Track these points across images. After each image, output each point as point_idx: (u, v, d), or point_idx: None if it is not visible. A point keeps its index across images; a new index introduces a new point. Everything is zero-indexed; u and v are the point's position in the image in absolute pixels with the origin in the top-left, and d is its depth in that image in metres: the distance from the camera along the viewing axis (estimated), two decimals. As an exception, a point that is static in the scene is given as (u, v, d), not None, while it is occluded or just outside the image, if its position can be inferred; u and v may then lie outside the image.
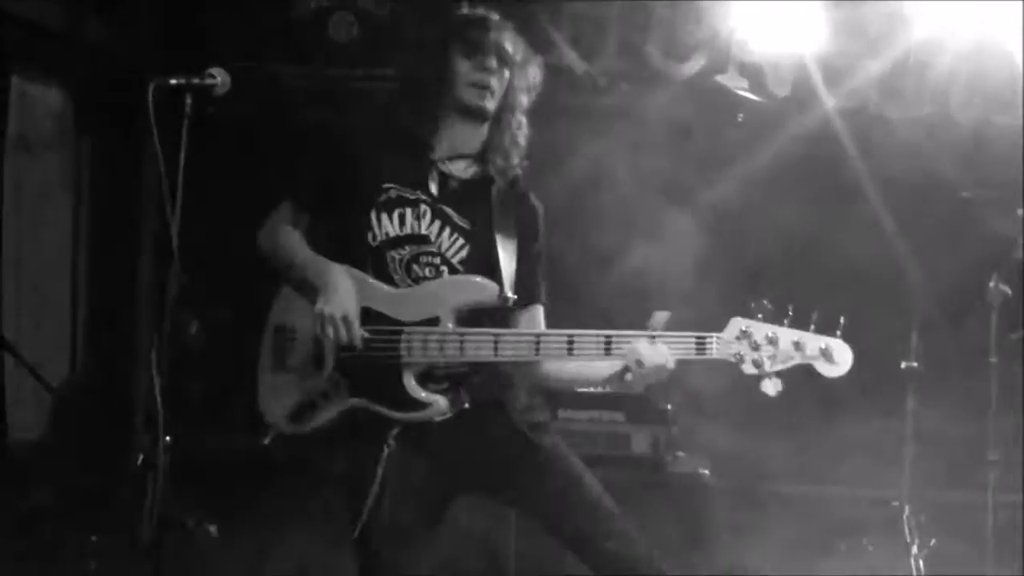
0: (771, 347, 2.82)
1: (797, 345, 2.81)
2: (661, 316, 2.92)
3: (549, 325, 3.18)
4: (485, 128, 3.13)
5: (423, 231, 3.04)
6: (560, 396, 4.88)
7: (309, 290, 3.02)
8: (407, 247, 3.04)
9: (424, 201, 3.06)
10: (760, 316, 2.83)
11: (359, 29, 5.55)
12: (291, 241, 3.11)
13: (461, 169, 3.13)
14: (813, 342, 2.81)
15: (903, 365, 5.07)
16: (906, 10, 5.45)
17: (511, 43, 3.10)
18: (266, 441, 3.07)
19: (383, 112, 3.20)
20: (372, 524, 2.92)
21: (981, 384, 4.94)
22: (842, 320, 2.82)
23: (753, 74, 5.64)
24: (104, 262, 5.75)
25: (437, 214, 3.06)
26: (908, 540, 4.95)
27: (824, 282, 5.54)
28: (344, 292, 2.96)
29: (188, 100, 2.78)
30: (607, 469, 4.46)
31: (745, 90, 5.65)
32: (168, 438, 2.65)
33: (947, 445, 5.44)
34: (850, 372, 2.82)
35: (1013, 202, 4.85)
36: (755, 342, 2.82)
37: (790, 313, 2.82)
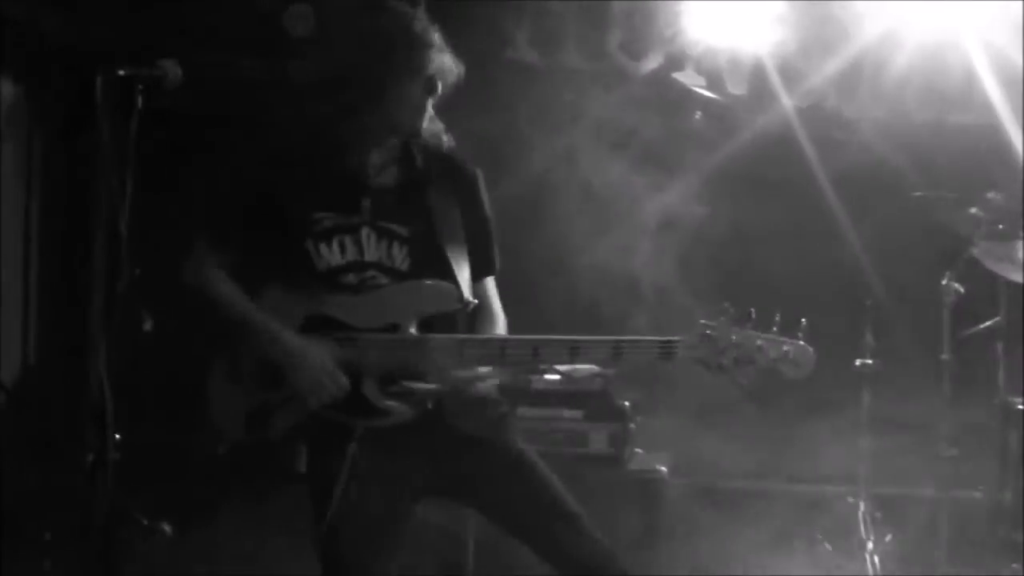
0: (735, 350, 2.84)
1: (760, 349, 2.84)
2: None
3: (513, 327, 3.15)
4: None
5: (367, 257, 2.98)
6: (519, 394, 4.88)
7: (260, 351, 2.95)
8: (352, 274, 2.97)
9: (363, 224, 2.99)
10: (723, 319, 2.85)
11: (316, 22, 5.51)
12: (233, 295, 3.01)
13: (392, 178, 3.04)
14: (775, 345, 2.84)
15: (857, 362, 5.10)
16: (862, 9, 5.49)
17: (448, 61, 2.99)
18: (220, 451, 3.03)
19: (309, 137, 3.04)
20: (337, 525, 2.89)
21: (934, 381, 4.99)
22: (803, 322, 2.86)
23: (711, 72, 5.66)
24: (56, 256, 5.68)
25: (379, 232, 2.99)
26: (863, 536, 4.98)
27: (779, 279, 5.58)
28: (312, 355, 2.89)
29: (138, 91, 2.72)
30: (566, 467, 4.48)
31: (703, 88, 5.68)
32: (118, 435, 2.60)
33: (902, 441, 5.49)
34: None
35: (967, 201, 4.89)
36: (718, 346, 2.84)
37: (752, 316, 2.85)
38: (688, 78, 5.68)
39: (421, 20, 3.00)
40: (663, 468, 4.87)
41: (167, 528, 4.59)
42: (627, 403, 4.90)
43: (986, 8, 5.40)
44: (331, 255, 2.97)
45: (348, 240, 2.98)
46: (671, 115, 5.71)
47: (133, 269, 2.86)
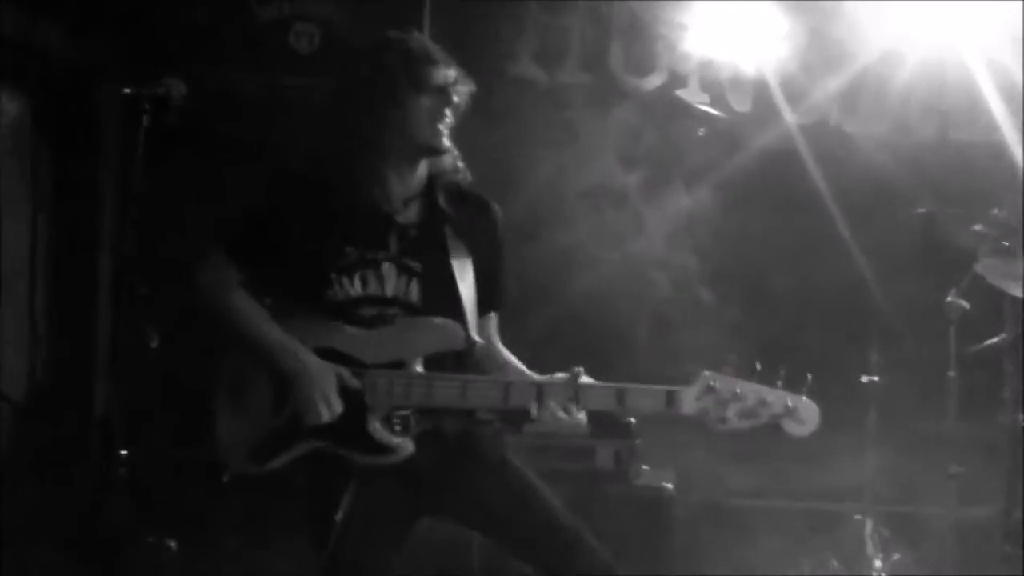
0: (738, 404, 2.83)
1: (763, 403, 2.82)
2: (578, 371, 2.92)
3: (516, 343, 3.15)
4: (426, 161, 3.06)
5: (388, 292, 2.99)
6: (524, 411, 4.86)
7: (270, 362, 2.95)
8: (370, 308, 2.99)
9: (387, 260, 3.00)
10: (726, 371, 2.84)
11: (321, 40, 5.53)
12: (250, 308, 3.01)
13: (414, 215, 3.06)
14: (780, 400, 2.83)
15: (863, 379, 5.10)
16: (865, 27, 5.51)
17: (455, 73, 3.02)
18: (225, 479, 3.02)
19: (332, 162, 3.04)
20: (339, 549, 2.88)
21: (940, 398, 4.98)
22: (809, 377, 2.84)
23: (714, 89, 5.68)
24: (63, 273, 5.67)
25: (400, 269, 3.01)
26: (871, 554, 4.96)
27: (783, 296, 5.58)
28: (319, 374, 2.91)
29: (145, 109, 2.73)
30: (570, 482, 4.50)
31: (706, 105, 5.69)
32: (124, 451, 2.60)
33: (908, 459, 5.47)
34: (811, 386, 2.84)
35: (971, 218, 4.89)
36: (722, 399, 2.83)
37: (758, 368, 2.84)
38: (691, 95, 5.69)
39: (418, 39, 3.04)
40: (669, 485, 4.85)
41: (173, 545, 4.58)
42: (633, 420, 4.89)
43: (988, 25, 5.42)
44: (352, 288, 2.99)
45: (370, 274, 2.99)
46: (674, 132, 5.72)
47: (141, 286, 2.86)
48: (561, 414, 2.91)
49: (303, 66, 5.56)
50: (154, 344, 4.49)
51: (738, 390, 2.82)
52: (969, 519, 5.00)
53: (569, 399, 2.89)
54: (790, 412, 2.83)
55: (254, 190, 3.14)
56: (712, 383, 2.83)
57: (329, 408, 2.90)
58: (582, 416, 2.94)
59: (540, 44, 5.69)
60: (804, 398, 2.84)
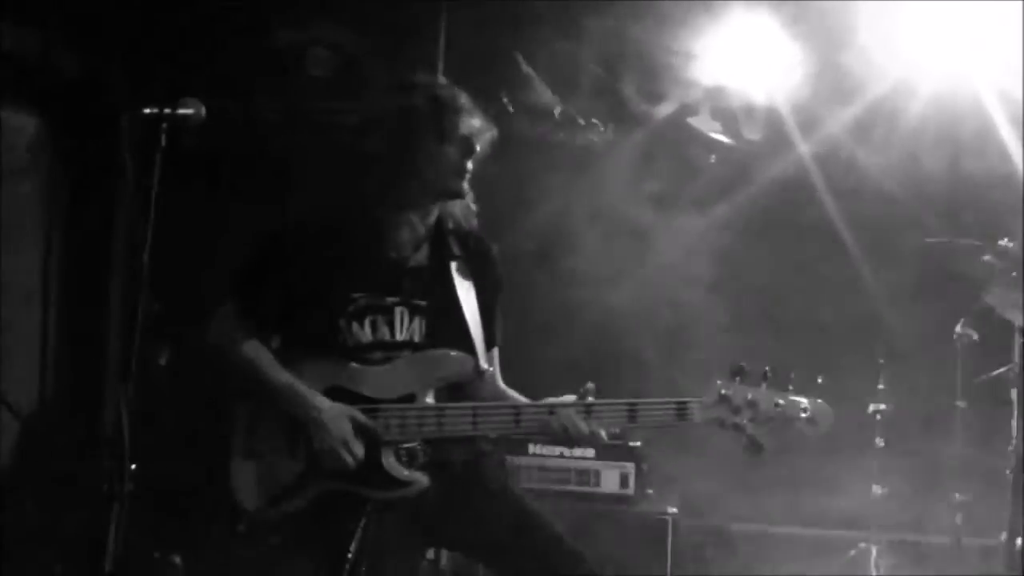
0: (751, 410, 2.83)
1: (777, 407, 2.83)
2: (591, 388, 2.94)
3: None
4: (436, 204, 3.08)
5: (397, 337, 3.01)
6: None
7: (284, 410, 2.97)
8: (379, 352, 3.00)
9: (398, 305, 3.02)
10: (738, 379, 2.85)
11: (338, 64, 5.58)
12: (260, 357, 3.02)
13: (424, 257, 3.08)
14: (794, 404, 2.84)
15: (871, 407, 5.10)
16: (877, 57, 5.53)
17: (480, 121, 3.03)
18: (241, 528, 3.03)
19: (348, 207, 3.06)
20: None
21: (948, 427, 4.98)
22: (820, 380, 2.86)
23: (726, 117, 5.71)
24: (75, 291, 5.72)
25: (410, 310, 3.03)
26: (875, 582, 4.96)
27: (793, 324, 5.59)
28: (334, 421, 2.92)
29: (163, 128, 2.76)
30: (577, 505, 4.52)
31: (718, 133, 5.72)
32: (134, 466, 2.63)
33: (915, 487, 5.47)
34: (822, 388, 2.85)
35: (981, 248, 4.90)
36: (735, 406, 2.84)
37: (768, 375, 2.84)
38: (703, 123, 5.72)
39: (447, 88, 3.06)
40: (674, 509, 4.86)
41: (178, 561, 4.60)
42: (639, 443, 4.90)
43: (1000, 57, 5.44)
44: (362, 333, 3.00)
45: (380, 320, 3.01)
46: (686, 159, 5.75)
47: (153, 304, 2.89)
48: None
49: (320, 91, 5.61)
50: (163, 361, 4.53)
51: (750, 396, 2.83)
52: (973, 547, 4.99)
53: (581, 415, 2.89)
54: (804, 415, 2.84)
55: (266, 240, 3.15)
56: (724, 392, 2.84)
57: (352, 455, 2.92)
58: (603, 433, 2.92)
59: (553, 72, 5.72)
60: (818, 400, 2.85)
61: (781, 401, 2.83)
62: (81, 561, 4.58)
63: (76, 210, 5.76)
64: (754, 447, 2.84)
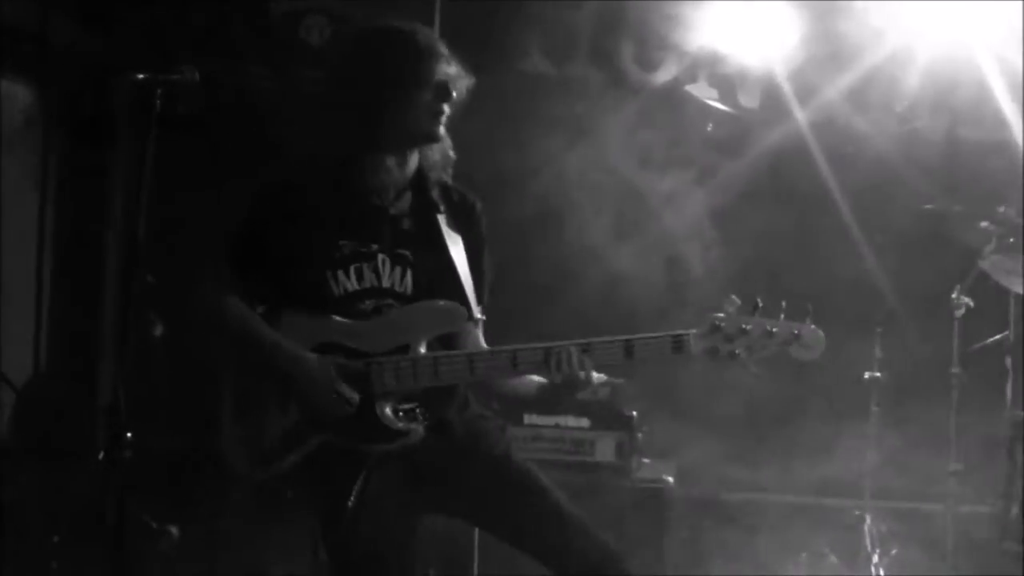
0: (744, 338, 2.86)
1: (769, 333, 2.86)
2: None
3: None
4: (416, 151, 3.08)
5: (384, 284, 3.01)
6: (525, 401, 4.88)
7: (273, 366, 2.96)
8: (368, 300, 3.00)
9: (381, 251, 3.01)
10: (731, 310, 2.87)
11: (332, 32, 5.55)
12: (244, 315, 3.01)
13: (406, 205, 3.07)
14: (785, 328, 2.87)
15: (866, 375, 5.11)
16: (875, 24, 5.51)
17: (457, 68, 3.02)
18: (235, 495, 3.03)
19: (329, 158, 3.04)
20: (351, 537, 2.89)
21: (943, 395, 4.99)
22: (809, 307, 2.88)
23: (723, 85, 5.69)
24: (69, 261, 5.71)
25: (395, 260, 3.02)
26: (869, 549, 4.98)
27: (789, 291, 5.56)
28: (320, 371, 2.91)
29: (157, 95, 2.74)
30: (572, 475, 4.53)
31: (715, 100, 5.70)
32: (129, 434, 2.63)
33: (909, 455, 5.49)
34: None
35: (978, 215, 4.90)
36: (728, 334, 2.86)
37: (759, 305, 2.87)
38: (701, 90, 5.70)
39: (424, 33, 3.05)
40: (669, 478, 4.87)
41: (174, 531, 4.61)
42: (634, 412, 4.91)
43: (997, 24, 5.42)
44: (348, 282, 3.00)
45: (366, 267, 3.00)
46: (683, 127, 5.73)
47: (147, 275, 2.88)
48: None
49: (314, 58, 5.59)
50: (158, 332, 4.53)
51: (744, 325, 2.86)
52: (969, 515, 5.01)
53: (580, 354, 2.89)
54: (796, 339, 2.87)
55: (251, 198, 3.15)
56: (717, 322, 2.87)
57: (347, 400, 2.91)
58: (598, 376, 2.93)
59: (550, 39, 5.70)
60: (809, 324, 2.89)
61: (773, 328, 2.86)
62: (80, 531, 4.60)
63: (70, 181, 5.74)
64: (750, 373, 2.89)
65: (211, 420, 3.04)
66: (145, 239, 2.81)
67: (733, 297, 2.89)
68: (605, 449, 4.87)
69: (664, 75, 5.71)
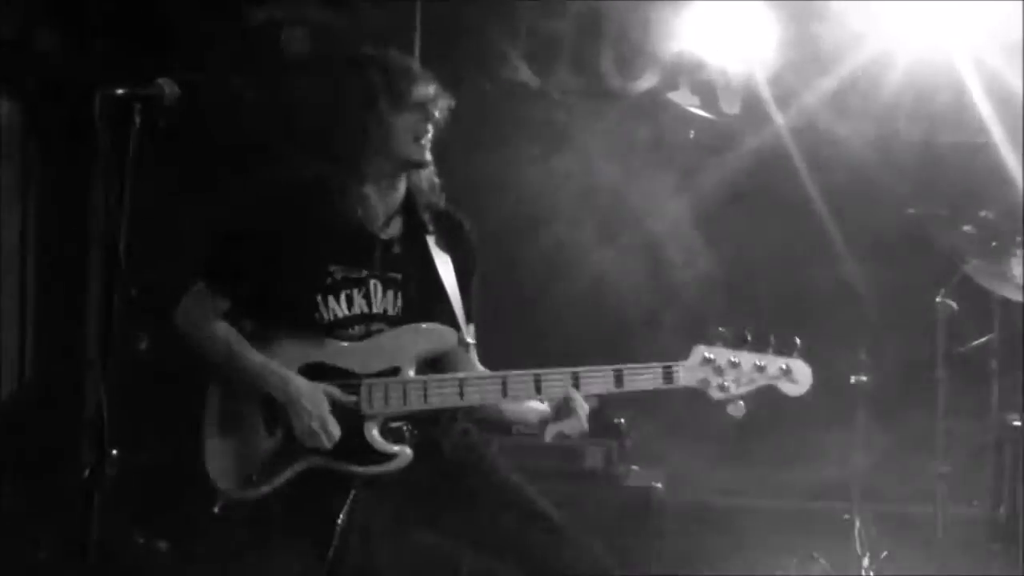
0: (734, 371, 2.91)
1: (759, 368, 2.91)
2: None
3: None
4: (404, 176, 3.08)
5: (374, 309, 3.02)
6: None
7: (259, 389, 2.96)
8: (358, 326, 3.01)
9: (372, 277, 3.02)
10: (720, 343, 2.91)
11: (312, 42, 5.55)
12: (230, 338, 3.00)
13: (397, 229, 3.09)
14: (774, 363, 2.92)
15: (852, 379, 5.11)
16: (855, 30, 5.54)
17: (435, 88, 3.04)
18: (216, 510, 3.02)
19: (308, 186, 3.04)
20: (340, 558, 2.89)
21: (929, 398, 5.01)
22: (798, 341, 2.93)
23: (705, 92, 5.70)
24: (53, 273, 5.68)
25: (386, 284, 3.03)
26: (859, 552, 4.98)
27: (772, 297, 5.60)
28: (311, 400, 2.92)
29: (136, 109, 2.73)
30: (560, 483, 4.51)
31: (697, 107, 5.71)
32: (115, 452, 2.61)
33: (896, 458, 5.50)
34: (801, 348, 2.91)
35: (960, 219, 4.92)
36: (719, 367, 2.91)
37: (749, 338, 2.92)
38: (682, 97, 5.71)
39: (398, 57, 3.06)
40: (658, 484, 4.87)
41: (163, 546, 4.59)
42: (622, 419, 4.90)
43: (976, 28, 5.45)
44: (338, 308, 3.00)
45: (356, 293, 3.01)
46: (665, 134, 5.74)
47: (131, 287, 2.86)
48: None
49: (294, 69, 5.58)
50: (143, 346, 4.50)
51: (733, 358, 2.91)
52: (957, 517, 5.02)
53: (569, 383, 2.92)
54: (785, 374, 2.92)
55: (235, 217, 3.13)
56: (707, 355, 2.91)
57: (328, 435, 2.91)
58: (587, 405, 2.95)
59: (531, 47, 5.71)
60: (797, 359, 2.93)
61: (762, 362, 2.90)
62: (67, 547, 4.57)
63: (52, 192, 5.72)
64: (736, 409, 2.91)
65: (195, 438, 3.02)
66: (127, 252, 2.79)
67: (722, 329, 2.93)
68: (594, 457, 4.87)
69: (645, 82, 5.72)
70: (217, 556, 4.60)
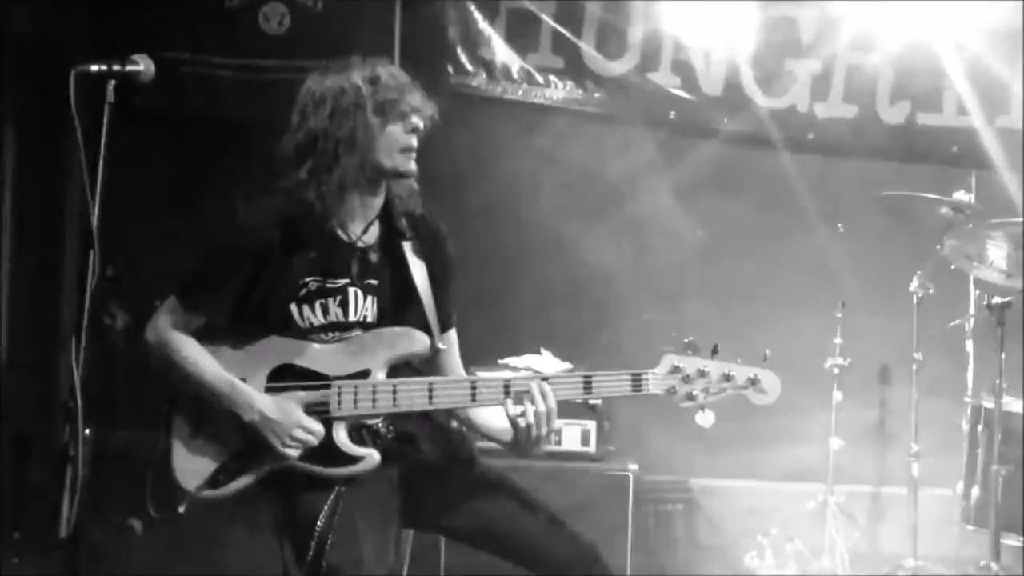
0: (703, 380, 2.94)
1: (727, 377, 2.94)
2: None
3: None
4: (385, 183, 3.06)
5: (351, 317, 3.01)
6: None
7: (225, 408, 2.95)
8: (333, 333, 3.01)
9: (349, 286, 3.02)
10: (690, 352, 2.95)
11: (291, 21, 5.52)
12: (199, 360, 2.97)
13: (374, 238, 3.08)
14: (742, 372, 2.95)
15: (828, 362, 5.14)
16: (836, 12, 5.54)
17: (420, 98, 3.01)
18: (181, 509, 3.00)
19: (294, 193, 2.98)
20: (320, 557, 2.88)
21: (905, 379, 5.04)
22: (767, 352, 2.97)
23: (686, 72, 5.69)
24: (28, 253, 5.64)
25: (365, 290, 3.03)
26: (833, 533, 5.01)
27: (750, 279, 5.61)
28: (281, 412, 2.92)
29: (110, 87, 2.72)
30: (538, 465, 4.52)
31: (677, 88, 5.70)
32: (88, 431, 2.60)
33: (872, 439, 5.54)
34: (777, 368, 2.93)
35: (936, 201, 4.94)
36: (687, 376, 2.94)
37: (718, 349, 2.96)
38: (663, 78, 5.70)
39: (384, 66, 3.03)
40: (635, 466, 4.88)
41: (137, 525, 4.58)
42: (599, 401, 4.91)
43: (956, 12, 5.46)
44: (313, 316, 2.99)
45: (331, 302, 3.00)
46: (645, 114, 5.73)
47: (106, 267, 2.85)
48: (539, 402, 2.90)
49: (273, 47, 5.56)
50: (119, 326, 4.49)
51: (702, 367, 2.94)
52: (931, 498, 5.06)
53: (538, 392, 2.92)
54: (753, 383, 2.95)
55: (210, 231, 3.11)
56: (677, 363, 2.94)
57: (314, 433, 2.93)
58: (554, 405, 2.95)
59: (512, 28, 5.69)
60: (766, 370, 2.96)
61: (732, 372, 2.94)
62: (41, 526, 4.56)
63: (27, 171, 5.67)
64: (704, 418, 2.95)
65: (164, 434, 3.02)
66: (101, 233, 2.78)
67: (691, 339, 2.96)
68: (571, 438, 4.88)
69: (626, 63, 5.70)
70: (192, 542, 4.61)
